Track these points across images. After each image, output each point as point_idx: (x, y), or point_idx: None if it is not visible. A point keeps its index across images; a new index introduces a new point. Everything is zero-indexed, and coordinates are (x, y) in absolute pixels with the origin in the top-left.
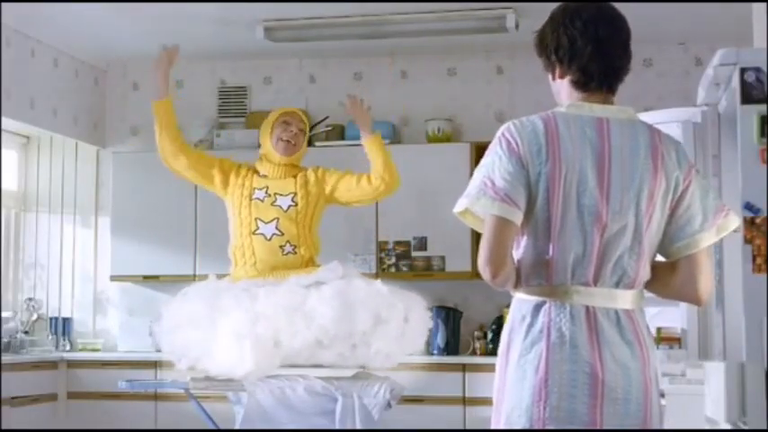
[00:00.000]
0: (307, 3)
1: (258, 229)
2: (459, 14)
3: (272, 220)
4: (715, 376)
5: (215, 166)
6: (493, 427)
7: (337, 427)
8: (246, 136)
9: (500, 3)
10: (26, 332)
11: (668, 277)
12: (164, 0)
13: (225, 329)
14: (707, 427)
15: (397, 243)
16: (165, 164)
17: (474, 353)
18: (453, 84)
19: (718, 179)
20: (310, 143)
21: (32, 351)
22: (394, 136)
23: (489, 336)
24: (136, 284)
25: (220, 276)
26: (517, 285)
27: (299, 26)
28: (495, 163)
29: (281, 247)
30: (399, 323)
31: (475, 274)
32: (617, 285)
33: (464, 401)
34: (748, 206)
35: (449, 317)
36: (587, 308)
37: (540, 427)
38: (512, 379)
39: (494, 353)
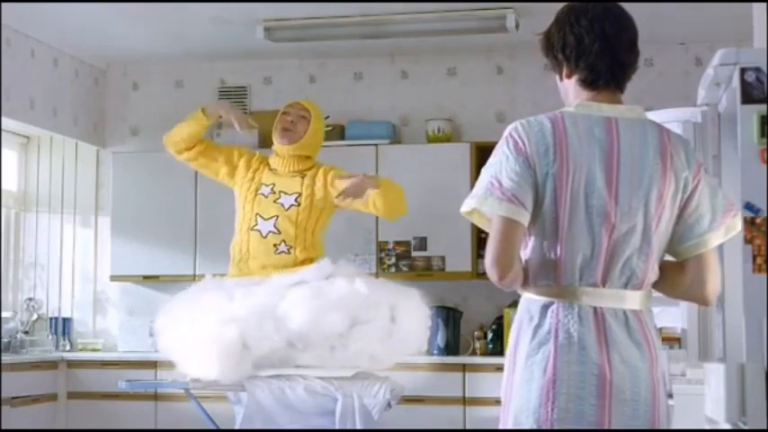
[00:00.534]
0: (307, 3)
1: (256, 225)
2: (460, 14)
3: (270, 218)
4: (715, 376)
5: (220, 158)
6: (501, 426)
7: (337, 427)
8: (246, 136)
9: (500, 3)
10: (26, 332)
11: (676, 277)
12: (164, 0)
13: (193, 333)
14: (707, 427)
15: (397, 243)
16: (169, 150)
17: (474, 353)
18: (453, 84)
19: (719, 179)
20: None
21: (32, 351)
22: (394, 136)
23: (489, 336)
24: (136, 284)
25: (223, 275)
26: (525, 285)
27: (299, 26)
28: (502, 163)
29: (275, 245)
30: (383, 323)
31: (475, 274)
32: (625, 286)
33: (464, 401)
34: (748, 206)
35: (449, 317)
36: (595, 309)
37: (548, 428)
38: (519, 380)
39: (494, 353)
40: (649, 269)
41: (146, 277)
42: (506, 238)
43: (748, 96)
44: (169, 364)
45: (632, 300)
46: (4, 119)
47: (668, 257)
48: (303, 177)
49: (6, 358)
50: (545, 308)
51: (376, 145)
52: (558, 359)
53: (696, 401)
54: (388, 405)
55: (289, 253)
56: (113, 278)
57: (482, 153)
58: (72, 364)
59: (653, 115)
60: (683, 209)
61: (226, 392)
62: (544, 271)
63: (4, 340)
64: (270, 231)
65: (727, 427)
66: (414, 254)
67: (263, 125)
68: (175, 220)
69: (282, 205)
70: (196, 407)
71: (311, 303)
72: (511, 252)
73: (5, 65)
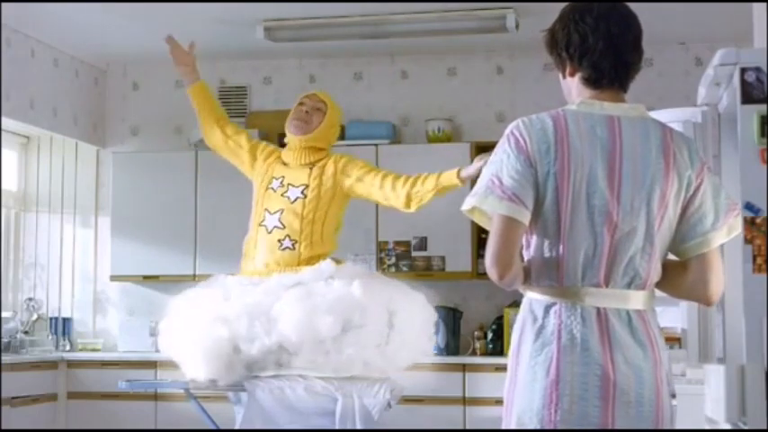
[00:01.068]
0: (307, 3)
1: (264, 220)
2: (460, 14)
3: (276, 212)
4: (715, 376)
5: (245, 147)
6: (503, 427)
7: (337, 427)
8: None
9: (500, 3)
10: (26, 332)
11: (679, 277)
12: (164, 0)
13: (187, 332)
14: (707, 427)
15: (397, 243)
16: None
17: (474, 353)
18: (453, 84)
19: (719, 179)
20: None
21: (32, 351)
22: (394, 136)
23: (489, 336)
24: (136, 284)
25: (233, 274)
26: (527, 285)
27: (299, 26)
28: (503, 161)
29: (279, 240)
30: (380, 328)
31: (475, 274)
32: (629, 286)
33: (464, 401)
34: (748, 206)
35: (449, 317)
36: (598, 309)
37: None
38: (522, 381)
39: (494, 353)
40: (652, 269)
41: (146, 277)
42: (506, 236)
43: (748, 96)
44: (169, 364)
45: (636, 300)
46: (4, 119)
47: (671, 257)
48: (312, 168)
49: (6, 358)
50: (548, 308)
51: (376, 145)
52: (561, 360)
53: (696, 401)
54: (388, 405)
55: (293, 248)
56: (113, 278)
57: (482, 153)
58: (72, 364)
59: (653, 115)
60: (685, 208)
61: (226, 392)
62: (546, 271)
63: (4, 340)
64: (275, 226)
65: (727, 427)
66: (414, 254)
67: (263, 125)
68: (175, 220)
69: (288, 198)
70: (196, 407)
71: (302, 305)
72: (511, 251)
73: (5, 65)
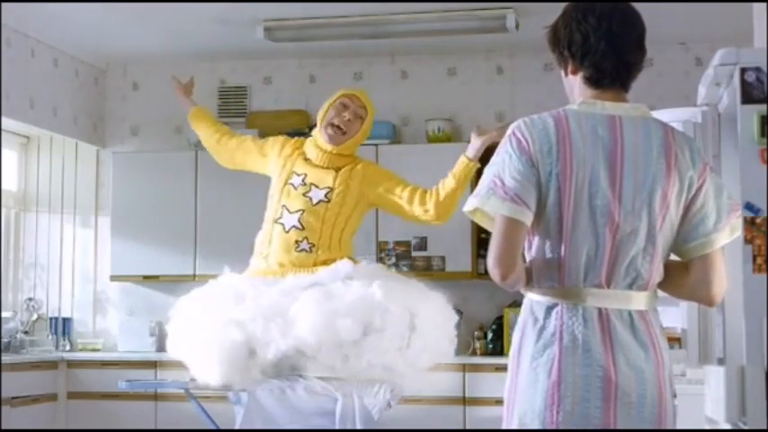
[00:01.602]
0: (307, 3)
1: (281, 217)
2: (460, 14)
3: (296, 211)
4: (715, 377)
5: (253, 151)
6: (504, 427)
7: (337, 427)
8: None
9: (500, 3)
10: (26, 332)
11: (681, 277)
12: (164, 0)
13: (198, 334)
14: (707, 427)
15: (397, 243)
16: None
17: (474, 353)
18: (453, 84)
19: (721, 179)
20: None
21: (32, 351)
22: (394, 136)
23: (489, 336)
24: (136, 284)
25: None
26: (529, 286)
27: (299, 26)
28: (505, 162)
29: (296, 242)
30: (401, 331)
31: (475, 274)
32: (630, 287)
33: (464, 401)
34: (748, 206)
35: None
36: (600, 310)
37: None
38: (524, 382)
39: (494, 353)
40: (654, 269)
41: (146, 277)
42: (509, 237)
43: (748, 96)
44: (169, 364)
45: (638, 300)
46: (4, 119)
47: (674, 257)
48: (338, 171)
49: (6, 358)
50: (549, 309)
51: (376, 145)
52: (562, 362)
53: (696, 401)
54: (388, 405)
55: (310, 252)
56: (113, 278)
57: (482, 153)
58: (72, 364)
59: (653, 115)
60: (687, 208)
61: (226, 392)
62: (548, 272)
63: (4, 340)
64: (293, 226)
65: (727, 427)
66: (414, 254)
67: (263, 125)
68: (175, 220)
69: (310, 199)
70: (196, 407)
71: (320, 307)
72: (513, 252)
73: (5, 65)
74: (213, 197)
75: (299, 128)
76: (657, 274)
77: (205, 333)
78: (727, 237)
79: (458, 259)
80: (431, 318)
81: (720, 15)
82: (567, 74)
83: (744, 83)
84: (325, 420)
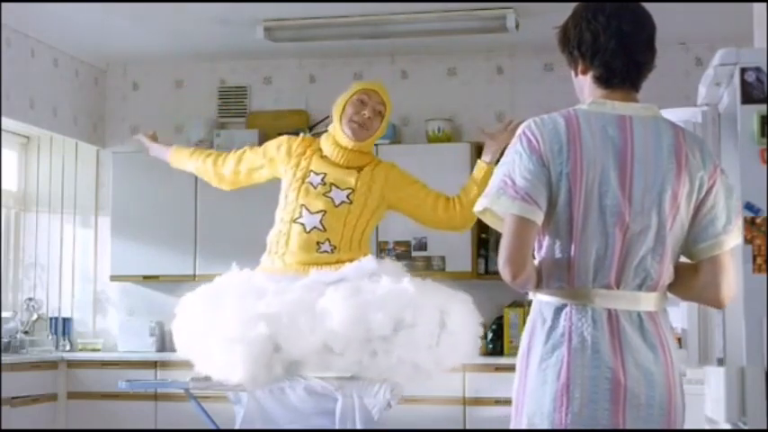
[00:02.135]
0: (307, 3)
1: (301, 217)
2: (460, 14)
3: (317, 212)
4: (715, 376)
5: (257, 163)
6: (512, 427)
7: (337, 427)
8: (246, 136)
9: (500, 3)
10: (26, 332)
11: (690, 279)
12: (164, 0)
13: (219, 331)
14: (707, 427)
15: (397, 243)
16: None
17: None
18: (453, 84)
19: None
20: None
21: (32, 351)
22: (394, 136)
23: (489, 336)
24: (136, 284)
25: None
26: (538, 287)
27: (299, 26)
28: (515, 161)
29: (318, 243)
30: (431, 328)
31: (475, 274)
32: (640, 288)
33: (464, 401)
34: (748, 206)
35: None
36: (609, 311)
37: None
38: (532, 383)
39: (494, 353)
40: (664, 270)
41: (146, 277)
42: (520, 237)
43: (748, 96)
44: (169, 364)
45: (647, 301)
46: (4, 119)
47: (683, 259)
48: (359, 172)
49: (6, 358)
50: (558, 310)
51: (376, 145)
52: (571, 363)
53: (696, 401)
54: (388, 405)
55: (332, 253)
56: (113, 278)
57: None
58: (72, 364)
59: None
60: (697, 209)
61: (226, 392)
62: (557, 272)
63: (4, 340)
64: (314, 227)
65: (727, 427)
66: (414, 254)
67: (263, 125)
68: (175, 220)
69: (332, 200)
70: (196, 407)
71: (351, 301)
72: (524, 251)
73: (5, 65)
74: (213, 197)
75: (299, 128)
76: (667, 275)
77: (227, 328)
78: (736, 238)
79: (458, 259)
80: (460, 317)
81: (720, 15)
82: (576, 74)
83: (744, 83)
84: (325, 420)
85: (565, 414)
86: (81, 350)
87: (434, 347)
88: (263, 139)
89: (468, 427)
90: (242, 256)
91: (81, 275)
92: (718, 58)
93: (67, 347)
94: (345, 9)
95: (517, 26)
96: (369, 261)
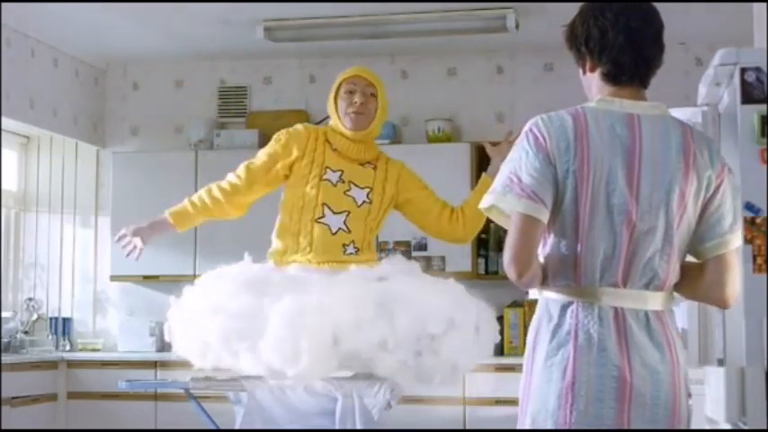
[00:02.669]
0: (307, 3)
1: (324, 217)
2: (460, 14)
3: (341, 212)
4: (715, 376)
5: (275, 167)
6: (519, 426)
7: (337, 427)
8: (246, 136)
9: (500, 3)
10: (26, 332)
11: (696, 278)
12: (164, 0)
13: (275, 319)
14: (707, 427)
15: (397, 243)
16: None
17: None
18: (453, 84)
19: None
20: None
21: (32, 351)
22: (394, 136)
23: (496, 335)
24: (136, 284)
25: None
26: (544, 284)
27: (299, 26)
28: (521, 159)
29: (344, 245)
30: (471, 331)
31: (475, 274)
32: (647, 287)
33: (464, 401)
34: (748, 206)
35: None
36: (616, 309)
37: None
38: (538, 381)
39: (494, 353)
40: (671, 269)
41: (146, 277)
42: (525, 235)
43: (748, 96)
44: (169, 364)
45: (654, 300)
46: (4, 119)
47: (689, 258)
48: (375, 169)
49: (6, 358)
50: (564, 308)
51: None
52: (577, 361)
53: (696, 401)
54: (388, 405)
55: (356, 255)
56: (113, 278)
57: (482, 153)
58: (72, 364)
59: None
60: (704, 208)
61: (226, 392)
62: (563, 270)
63: (4, 340)
64: (340, 229)
65: (727, 426)
66: (414, 254)
67: (263, 125)
68: None
69: (354, 200)
70: (196, 407)
71: (411, 297)
72: (530, 249)
73: (5, 65)
74: None
75: None
76: (674, 274)
77: (287, 316)
78: (741, 238)
79: (458, 259)
80: (489, 318)
81: (720, 15)
82: (585, 72)
83: (744, 83)
84: (325, 420)
85: (569, 412)
86: (81, 350)
87: (470, 349)
88: (263, 138)
89: (468, 427)
90: (242, 257)
91: (81, 275)
92: (718, 58)
93: (67, 347)
94: (345, 9)
95: (517, 26)
96: (399, 259)
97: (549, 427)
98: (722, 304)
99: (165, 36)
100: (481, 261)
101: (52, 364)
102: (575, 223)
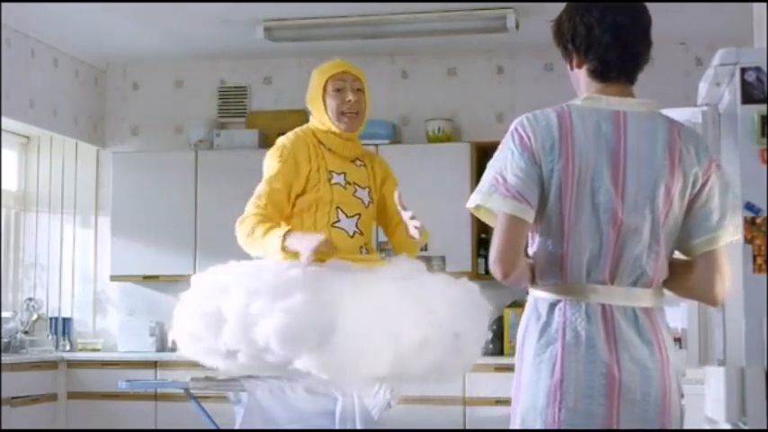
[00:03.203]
0: (307, 3)
1: (339, 221)
2: (460, 14)
3: (354, 216)
4: (715, 376)
5: (296, 185)
6: (511, 426)
7: (337, 427)
8: (246, 136)
9: (500, 3)
10: (26, 332)
11: (684, 275)
12: (164, 0)
13: (353, 314)
14: (707, 426)
15: None
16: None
17: None
18: (453, 84)
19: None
20: None
21: (32, 351)
22: (394, 136)
23: (489, 336)
24: (136, 284)
25: None
26: (532, 283)
27: (299, 26)
28: (507, 158)
29: (360, 248)
30: (485, 329)
31: (475, 274)
32: (635, 284)
33: (464, 401)
34: (748, 206)
35: None
36: (604, 307)
37: (556, 429)
38: (527, 379)
39: (494, 353)
40: (659, 266)
41: (146, 277)
42: (511, 235)
43: (748, 96)
44: (169, 364)
45: (642, 297)
46: (4, 119)
47: (678, 256)
48: (366, 168)
49: (6, 358)
50: (552, 306)
51: (376, 145)
52: (565, 358)
53: (696, 401)
54: (388, 405)
55: (368, 256)
56: (113, 278)
57: (482, 153)
58: (72, 364)
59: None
60: (691, 204)
61: (226, 392)
62: (551, 268)
63: (4, 340)
64: (355, 232)
65: (727, 426)
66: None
67: (263, 125)
68: (175, 220)
69: (362, 201)
70: (196, 407)
71: (446, 296)
72: (516, 249)
73: (5, 65)
74: (213, 197)
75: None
76: (663, 271)
77: (344, 321)
78: (731, 234)
79: (458, 259)
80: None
81: (720, 15)
82: (572, 68)
83: (744, 83)
84: (325, 420)
85: (558, 409)
86: (81, 350)
87: (478, 346)
88: (262, 138)
89: (468, 428)
90: (242, 257)
91: (81, 275)
92: (718, 58)
93: (67, 347)
94: (345, 9)
95: (517, 26)
96: (405, 259)
97: (538, 424)
98: (711, 301)
99: (165, 36)
100: (481, 261)
101: (52, 364)
102: (560, 221)
